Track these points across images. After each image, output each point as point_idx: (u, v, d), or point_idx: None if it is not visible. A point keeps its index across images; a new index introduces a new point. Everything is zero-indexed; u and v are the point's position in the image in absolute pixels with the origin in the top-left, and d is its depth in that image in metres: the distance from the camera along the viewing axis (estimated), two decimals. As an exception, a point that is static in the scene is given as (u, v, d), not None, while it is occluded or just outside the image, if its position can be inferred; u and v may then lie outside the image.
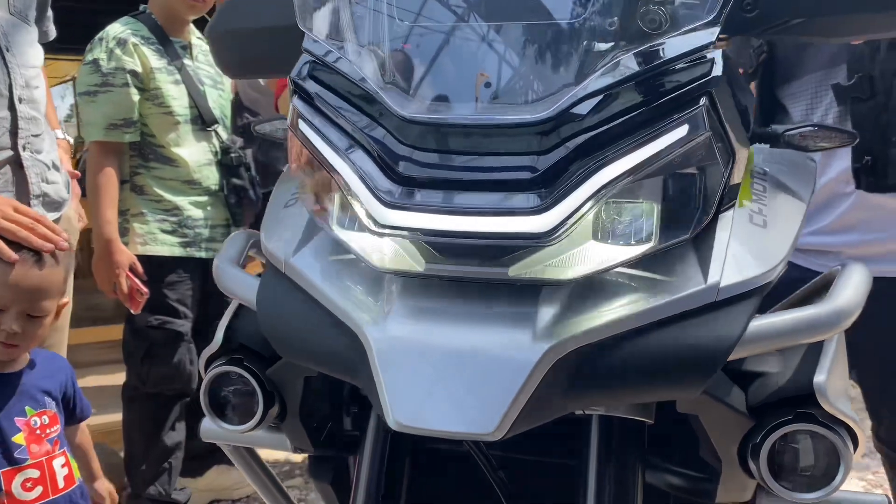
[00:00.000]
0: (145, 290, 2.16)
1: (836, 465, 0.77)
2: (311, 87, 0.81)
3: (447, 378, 0.68)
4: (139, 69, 2.20)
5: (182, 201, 2.28)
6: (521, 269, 0.71)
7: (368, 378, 0.71)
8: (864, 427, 0.81)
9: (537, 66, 0.74)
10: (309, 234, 0.86)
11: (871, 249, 1.34)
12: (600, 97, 0.69)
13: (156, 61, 2.23)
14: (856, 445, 0.78)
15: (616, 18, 0.72)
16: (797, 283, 0.96)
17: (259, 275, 0.98)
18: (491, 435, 0.66)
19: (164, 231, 2.25)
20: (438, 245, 0.71)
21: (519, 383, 0.66)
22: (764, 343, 0.74)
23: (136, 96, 2.20)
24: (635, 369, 0.70)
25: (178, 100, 2.26)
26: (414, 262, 0.73)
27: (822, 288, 0.90)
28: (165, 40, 2.29)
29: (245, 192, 2.39)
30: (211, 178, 2.34)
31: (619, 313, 0.70)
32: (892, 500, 0.89)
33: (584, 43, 0.72)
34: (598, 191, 0.68)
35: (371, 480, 0.92)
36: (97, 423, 2.79)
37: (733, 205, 0.80)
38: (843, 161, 1.31)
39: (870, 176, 1.27)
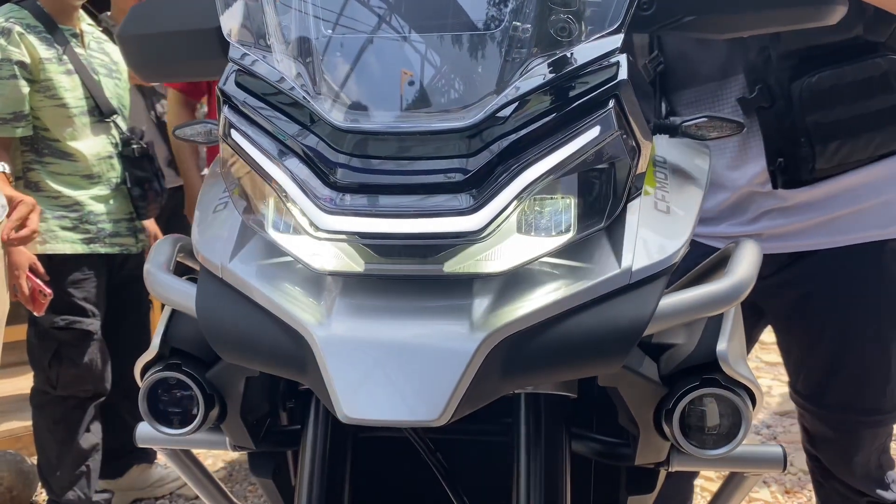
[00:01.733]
0: (48, 290, 2.07)
1: (739, 423, 0.85)
2: (239, 95, 0.83)
3: (392, 370, 0.72)
4: (27, 60, 2.10)
5: (82, 196, 2.20)
6: (455, 265, 0.75)
7: (316, 375, 0.74)
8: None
9: (461, 73, 0.78)
10: (242, 238, 0.87)
11: (784, 230, 1.46)
12: (519, 102, 0.75)
13: (44, 51, 2.13)
14: (755, 404, 0.87)
15: (529, 27, 0.78)
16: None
17: (189, 278, 0.99)
18: (436, 421, 0.70)
19: (64, 228, 2.17)
20: (377, 246, 0.75)
21: (459, 371, 0.71)
22: (673, 318, 0.81)
23: (25, 88, 2.10)
24: (563, 350, 0.75)
25: (71, 91, 2.17)
26: (353, 263, 0.77)
27: (720, 263, 0.99)
28: (53, 28, 2.18)
29: (150, 184, 2.32)
30: (112, 171, 2.27)
31: (545, 300, 0.76)
32: (786, 449, 0.99)
33: (503, 51, 0.77)
34: (523, 190, 0.73)
35: (314, 473, 0.95)
36: (1, 430, 2.68)
37: (639, 193, 0.87)
38: (757, 165, 1.41)
39: (784, 175, 1.38)
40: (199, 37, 0.96)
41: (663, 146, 1.02)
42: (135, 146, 2.29)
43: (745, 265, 0.87)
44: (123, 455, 2.50)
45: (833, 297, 1.43)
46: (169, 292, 0.91)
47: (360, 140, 0.74)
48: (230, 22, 0.85)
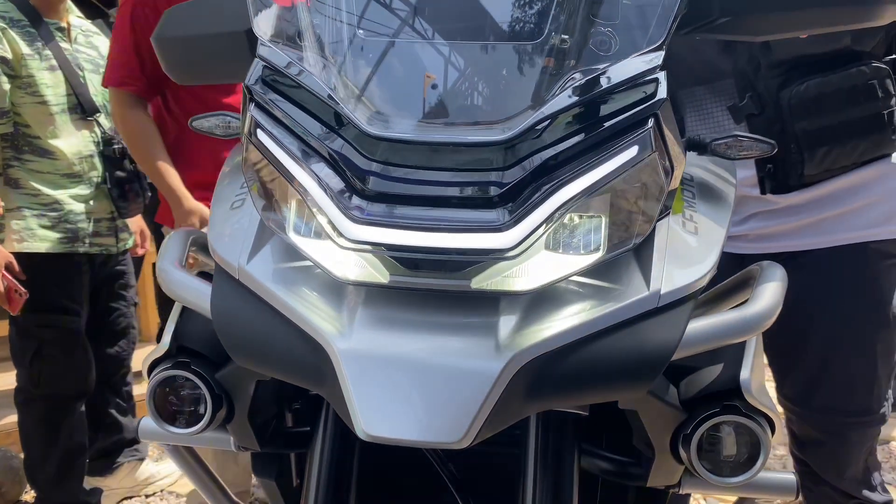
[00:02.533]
0: (23, 290, 2.02)
1: (757, 451, 0.84)
2: (266, 94, 0.80)
3: (414, 388, 0.70)
4: (9, 55, 2.03)
5: (62, 195, 2.14)
6: (483, 281, 0.74)
7: (334, 388, 0.73)
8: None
9: (498, 85, 0.76)
10: (261, 239, 0.85)
11: (772, 230, 1.49)
12: (557, 117, 0.73)
13: (27, 46, 2.06)
14: (773, 432, 0.86)
15: (570, 40, 0.76)
16: None
17: (201, 273, 0.97)
18: (458, 444, 0.69)
19: (43, 227, 2.11)
20: (404, 259, 0.73)
21: (484, 393, 0.69)
22: (699, 344, 0.80)
23: (6, 85, 2.03)
24: (589, 374, 0.74)
25: (53, 88, 2.10)
26: (378, 274, 0.75)
27: (742, 283, 0.98)
28: (38, 22, 2.11)
29: (130, 185, 2.25)
30: (93, 170, 2.20)
31: (572, 321, 0.74)
32: (798, 479, 0.98)
33: (542, 64, 0.75)
34: (559, 208, 0.72)
35: (321, 476, 0.94)
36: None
37: (668, 213, 0.86)
38: (747, 170, 1.43)
39: (773, 180, 1.40)
40: (233, 39, 0.95)
41: (690, 163, 1.01)
42: (116, 146, 2.21)
43: (771, 292, 0.86)
44: (113, 452, 2.45)
45: (819, 298, 1.45)
46: (183, 291, 0.89)
47: (391, 148, 0.72)
48: (260, 21, 0.82)
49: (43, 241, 2.12)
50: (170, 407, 0.93)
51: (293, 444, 1.06)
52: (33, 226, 2.11)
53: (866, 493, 1.55)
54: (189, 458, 1.08)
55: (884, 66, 1.37)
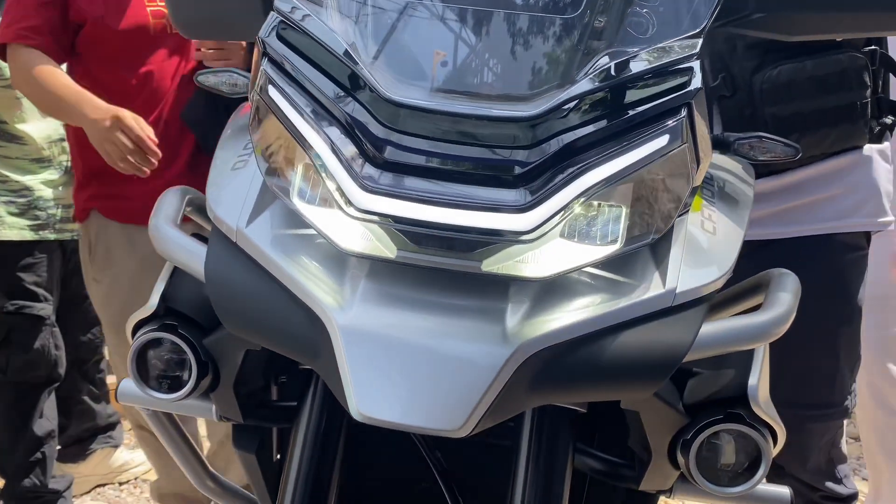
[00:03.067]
0: None
1: (757, 462, 0.82)
2: (280, 48, 0.76)
3: (414, 371, 0.67)
4: None
5: (31, 181, 2.07)
6: (494, 264, 0.71)
7: (329, 364, 0.70)
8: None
9: (528, 59, 0.73)
10: (262, 202, 0.82)
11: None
12: (587, 98, 0.69)
13: None
14: (775, 443, 0.84)
15: (606, 20, 0.72)
16: None
17: (196, 234, 0.93)
18: (456, 432, 0.66)
19: (11, 214, 2.04)
20: (413, 233, 0.70)
21: (487, 382, 0.66)
22: (711, 348, 0.78)
23: None
24: (597, 370, 0.72)
25: None
26: (384, 248, 0.72)
27: (752, 289, 0.95)
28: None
29: None
30: (63, 154, 2.12)
31: (583, 314, 0.72)
32: (791, 492, 0.96)
33: (576, 41, 0.72)
34: (582, 193, 0.69)
35: (305, 452, 0.91)
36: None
37: (688, 210, 0.83)
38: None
39: None
40: None
41: (711, 161, 0.98)
42: None
43: (785, 298, 0.85)
44: (86, 439, 2.40)
45: None
46: (175, 250, 0.85)
47: (410, 116, 0.69)
48: None
49: (11, 228, 2.05)
50: (152, 370, 0.90)
51: (277, 419, 1.02)
52: (2, 213, 2.03)
53: (830, 485, 1.56)
54: (168, 426, 1.04)
55: (861, 55, 1.36)
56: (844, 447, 1.64)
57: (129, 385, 0.94)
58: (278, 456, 1.10)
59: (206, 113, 1.81)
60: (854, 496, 1.61)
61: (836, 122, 1.36)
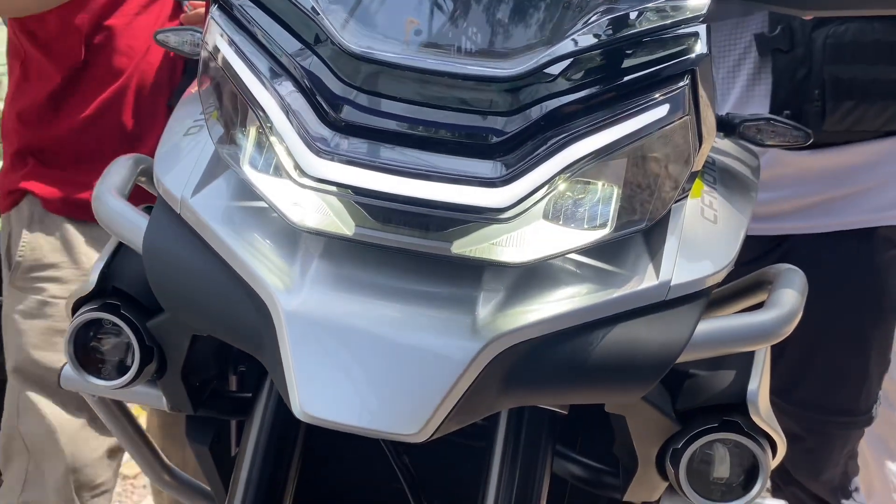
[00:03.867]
0: None
1: (754, 476, 0.76)
2: None
3: (369, 366, 0.61)
4: None
5: None
6: (466, 246, 0.64)
7: (273, 354, 0.63)
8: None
9: (510, 12, 0.66)
10: (213, 170, 0.76)
11: (775, 207, 1.39)
12: (576, 59, 0.62)
13: None
14: (774, 456, 0.78)
15: None
16: None
17: (146, 208, 0.86)
18: (414, 437, 0.60)
19: None
20: (374, 208, 0.63)
21: (453, 378, 0.60)
22: (707, 349, 0.72)
23: None
24: (578, 370, 0.66)
25: None
26: (341, 223, 0.65)
27: (755, 286, 0.89)
28: None
29: None
30: None
31: (565, 306, 0.66)
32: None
33: None
34: (567, 167, 0.62)
35: (260, 450, 0.85)
36: None
37: (686, 195, 0.76)
38: (759, 112, 1.33)
39: None
40: None
41: (713, 145, 0.91)
42: None
43: (790, 298, 0.79)
44: None
45: (817, 286, 1.36)
46: (114, 221, 0.79)
47: (374, 72, 0.62)
48: None
49: None
50: (94, 354, 0.84)
51: (233, 411, 0.97)
52: None
53: (842, 500, 1.51)
54: (116, 412, 0.98)
55: None
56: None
57: (70, 371, 0.88)
58: (237, 450, 1.04)
59: None
60: None
61: None
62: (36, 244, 1.53)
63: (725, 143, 0.94)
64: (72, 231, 1.52)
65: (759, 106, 1.31)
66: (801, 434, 1.46)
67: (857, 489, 1.52)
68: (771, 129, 0.86)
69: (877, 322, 1.40)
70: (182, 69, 1.57)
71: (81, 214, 1.49)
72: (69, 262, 1.53)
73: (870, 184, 1.35)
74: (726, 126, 0.86)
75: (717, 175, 0.87)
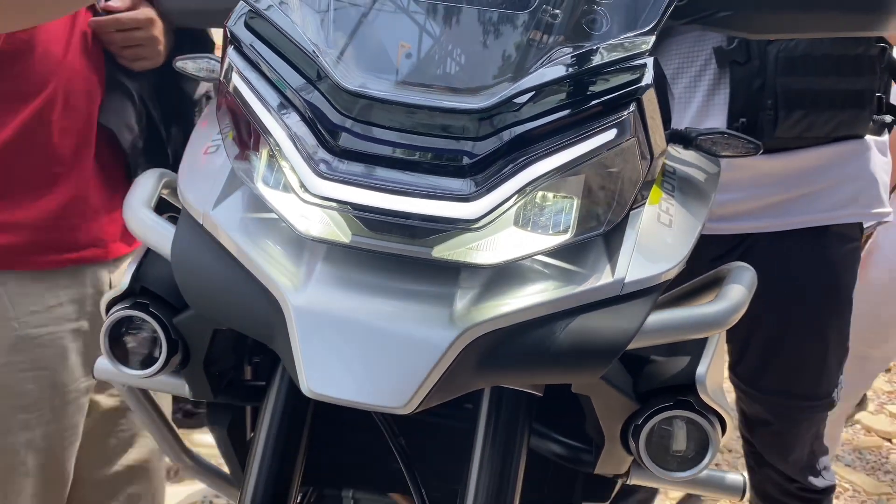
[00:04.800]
0: None
1: (706, 448, 0.84)
2: (245, 37, 0.79)
3: (364, 350, 0.70)
4: None
5: None
6: (445, 251, 0.73)
7: (284, 343, 0.72)
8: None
9: (480, 52, 0.75)
10: (230, 186, 0.84)
11: (735, 208, 1.47)
12: (537, 92, 0.71)
13: None
14: (723, 431, 0.86)
15: (559, 14, 0.74)
16: None
17: (170, 217, 0.96)
18: (402, 409, 0.68)
19: None
20: (367, 219, 0.72)
21: (433, 362, 0.69)
22: (658, 336, 0.80)
23: None
24: (541, 354, 0.73)
25: None
26: (340, 233, 0.74)
27: (713, 283, 0.97)
28: None
29: None
30: None
31: (531, 300, 0.74)
32: (747, 479, 0.98)
33: (529, 35, 0.74)
34: (528, 184, 0.71)
35: (272, 433, 0.93)
36: None
37: (644, 202, 0.85)
38: (716, 121, 1.41)
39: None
40: None
41: (674, 156, 1.00)
42: None
43: (737, 292, 0.86)
44: None
45: (776, 280, 1.46)
46: (146, 231, 0.88)
47: (365, 105, 0.71)
48: None
49: None
50: (125, 347, 0.93)
51: (248, 397, 1.05)
52: None
53: (810, 478, 1.58)
54: (143, 400, 1.07)
55: (876, 46, 1.37)
56: (833, 438, 1.65)
57: (104, 362, 0.97)
58: (252, 434, 1.13)
59: (135, 114, 1.36)
60: (831, 488, 1.63)
61: (844, 105, 1.36)
62: None
63: (689, 154, 1.01)
64: None
65: (719, 113, 1.39)
66: (769, 419, 1.54)
67: (826, 468, 1.60)
68: (725, 142, 0.93)
69: (833, 313, 1.48)
70: (104, 78, 1.31)
71: (8, 263, 1.26)
72: None
73: (821, 185, 1.42)
74: (684, 139, 0.93)
75: (677, 183, 0.94)
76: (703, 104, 1.42)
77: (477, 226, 0.70)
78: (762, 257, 1.45)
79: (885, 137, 1.49)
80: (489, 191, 0.70)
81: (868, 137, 1.45)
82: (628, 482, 0.97)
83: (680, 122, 1.47)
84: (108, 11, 1.29)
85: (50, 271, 1.32)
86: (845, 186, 1.45)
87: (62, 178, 1.29)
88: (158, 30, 1.33)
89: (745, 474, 1.00)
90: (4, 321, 1.28)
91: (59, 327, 1.34)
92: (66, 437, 1.40)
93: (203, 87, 1.49)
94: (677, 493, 2.45)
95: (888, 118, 1.44)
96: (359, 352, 0.70)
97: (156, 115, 1.41)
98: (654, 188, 0.89)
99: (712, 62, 1.40)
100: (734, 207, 1.46)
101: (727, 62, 1.37)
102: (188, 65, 1.00)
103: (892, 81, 1.44)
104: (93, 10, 1.30)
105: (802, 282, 1.46)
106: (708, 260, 1.46)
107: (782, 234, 1.46)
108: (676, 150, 0.99)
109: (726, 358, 1.55)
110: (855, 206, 1.47)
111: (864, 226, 1.49)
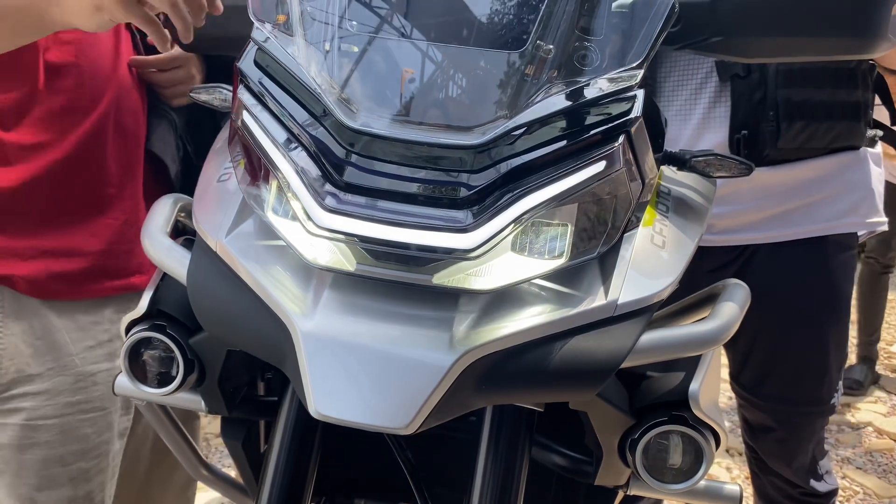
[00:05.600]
0: None
1: (700, 461, 0.88)
2: (254, 74, 0.83)
3: (368, 373, 0.73)
4: None
5: None
6: (444, 278, 0.76)
7: (293, 366, 0.76)
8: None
9: (477, 90, 0.78)
10: (241, 214, 0.88)
11: (737, 220, 1.50)
12: (531, 126, 0.75)
13: None
14: (717, 444, 0.89)
15: (552, 50, 0.78)
16: None
17: (186, 240, 1.00)
18: (404, 429, 0.72)
19: None
20: (371, 249, 0.76)
21: (433, 384, 0.72)
22: (651, 355, 0.82)
23: None
24: (538, 374, 0.77)
25: None
26: (345, 261, 0.78)
27: (707, 300, 1.00)
28: None
29: None
30: None
31: (527, 323, 0.77)
32: (742, 489, 1.01)
33: (523, 72, 0.77)
34: (522, 215, 0.74)
35: (285, 446, 0.97)
36: None
37: (638, 224, 0.88)
38: (718, 134, 1.43)
39: (745, 149, 1.41)
40: (239, 12, 0.96)
41: (670, 177, 1.03)
42: None
43: (729, 310, 0.89)
44: None
45: (778, 290, 1.49)
46: (163, 257, 0.92)
47: (368, 142, 0.75)
48: (256, 2, 0.84)
49: None
50: (144, 366, 0.97)
51: (261, 412, 1.09)
52: None
53: (813, 482, 1.60)
54: (161, 416, 1.11)
55: (868, 62, 1.40)
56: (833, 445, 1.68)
57: (124, 380, 1.01)
58: (266, 447, 1.17)
59: (174, 145, 1.34)
60: (834, 492, 1.65)
61: (842, 117, 1.39)
62: (14, 350, 1.15)
63: (684, 174, 1.04)
64: (53, 320, 1.19)
65: (720, 126, 1.41)
66: (772, 426, 1.56)
67: (828, 472, 1.62)
68: (717, 163, 0.95)
69: (833, 320, 1.50)
70: (146, 101, 1.29)
71: (65, 292, 1.19)
72: (56, 367, 1.18)
73: (821, 196, 1.45)
74: (678, 161, 0.96)
75: (671, 204, 0.97)
76: (704, 117, 1.45)
77: (474, 255, 0.74)
78: (762, 267, 1.47)
79: (879, 149, 1.52)
80: (486, 221, 0.74)
81: (863, 149, 1.47)
82: (628, 493, 1.00)
83: (680, 134, 1.50)
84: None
85: (97, 301, 1.24)
86: (844, 197, 1.48)
87: (115, 200, 1.24)
88: (196, 66, 1.33)
89: (742, 485, 1.02)
90: (67, 358, 1.19)
91: (111, 364, 1.25)
92: (111, 484, 1.31)
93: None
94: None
95: (877, 132, 1.47)
96: (363, 375, 0.73)
97: (190, 148, 1.39)
98: (649, 209, 0.92)
99: (713, 75, 1.43)
100: (736, 219, 1.49)
101: (728, 75, 1.40)
102: (202, 95, 1.04)
103: (878, 96, 1.47)
104: (134, 43, 1.29)
105: (802, 290, 1.49)
106: (708, 271, 1.49)
107: (782, 244, 1.48)
108: (672, 171, 1.02)
109: (724, 373, 1.58)
110: (853, 215, 1.49)
111: (859, 234, 1.52)
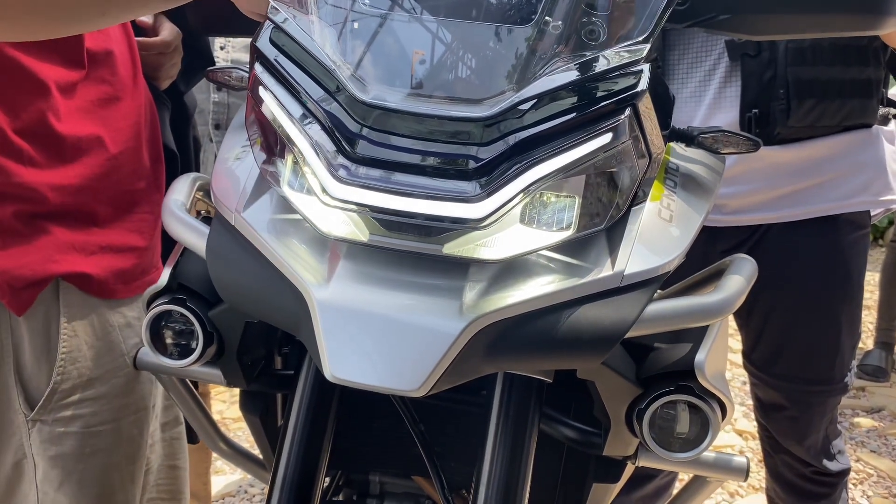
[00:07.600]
0: None
1: (707, 431, 0.89)
2: (270, 52, 0.85)
3: (381, 339, 0.75)
4: None
5: None
6: (455, 248, 0.78)
7: (309, 333, 0.78)
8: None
9: (486, 63, 0.80)
10: (259, 189, 0.91)
11: (749, 200, 1.51)
12: (539, 100, 0.77)
13: None
14: (724, 415, 0.91)
15: (560, 25, 0.79)
16: None
17: (204, 217, 1.03)
18: (415, 392, 0.74)
19: None
20: (384, 220, 0.78)
21: (444, 349, 0.74)
22: (657, 325, 0.84)
23: None
24: (545, 342, 0.79)
25: None
26: (359, 232, 0.80)
27: (716, 275, 1.02)
28: None
29: None
30: None
31: (535, 292, 0.79)
32: (748, 461, 1.03)
33: (530, 46, 0.79)
34: (529, 185, 0.76)
35: (301, 418, 1.00)
36: None
37: (646, 198, 0.89)
38: (729, 113, 1.44)
39: (756, 128, 1.42)
40: None
41: (679, 153, 1.04)
42: None
43: (736, 282, 0.90)
44: None
45: (790, 269, 1.50)
46: (183, 231, 0.95)
47: (380, 115, 0.77)
48: None
49: None
50: (164, 339, 1.00)
51: (279, 385, 1.12)
52: None
53: (825, 461, 1.61)
54: (180, 388, 1.15)
55: (879, 39, 1.40)
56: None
57: (147, 352, 1.05)
58: (283, 420, 1.20)
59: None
60: (846, 472, 1.66)
61: (853, 94, 1.40)
62: (78, 354, 1.11)
63: (693, 151, 1.05)
64: (110, 318, 1.15)
65: (731, 105, 1.42)
66: (784, 404, 1.58)
67: (840, 451, 1.63)
68: (725, 139, 0.97)
69: (845, 299, 1.51)
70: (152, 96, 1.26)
71: (122, 291, 1.17)
72: (112, 369, 1.14)
73: (833, 174, 1.46)
74: (686, 138, 0.97)
75: (679, 180, 0.98)
76: (716, 97, 1.46)
77: (483, 225, 0.76)
78: (774, 247, 1.49)
79: (892, 127, 1.52)
80: (494, 192, 0.75)
81: (876, 127, 1.47)
82: (636, 464, 1.02)
83: (694, 114, 1.51)
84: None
85: (138, 295, 1.21)
86: (856, 175, 1.48)
87: (148, 193, 1.21)
88: (178, 49, 1.34)
89: (749, 457, 1.04)
90: (120, 358, 1.15)
91: None
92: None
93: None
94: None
95: (891, 110, 1.47)
96: (376, 341, 0.76)
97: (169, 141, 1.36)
98: (657, 185, 0.94)
99: (724, 56, 1.44)
100: (748, 199, 1.50)
101: (738, 55, 1.41)
102: (219, 74, 1.07)
103: (893, 76, 1.47)
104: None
105: (815, 269, 1.50)
106: (721, 251, 1.50)
107: (794, 223, 1.49)
108: (681, 148, 1.03)
109: (732, 346, 1.60)
110: (866, 194, 1.50)
111: (872, 213, 1.52)
